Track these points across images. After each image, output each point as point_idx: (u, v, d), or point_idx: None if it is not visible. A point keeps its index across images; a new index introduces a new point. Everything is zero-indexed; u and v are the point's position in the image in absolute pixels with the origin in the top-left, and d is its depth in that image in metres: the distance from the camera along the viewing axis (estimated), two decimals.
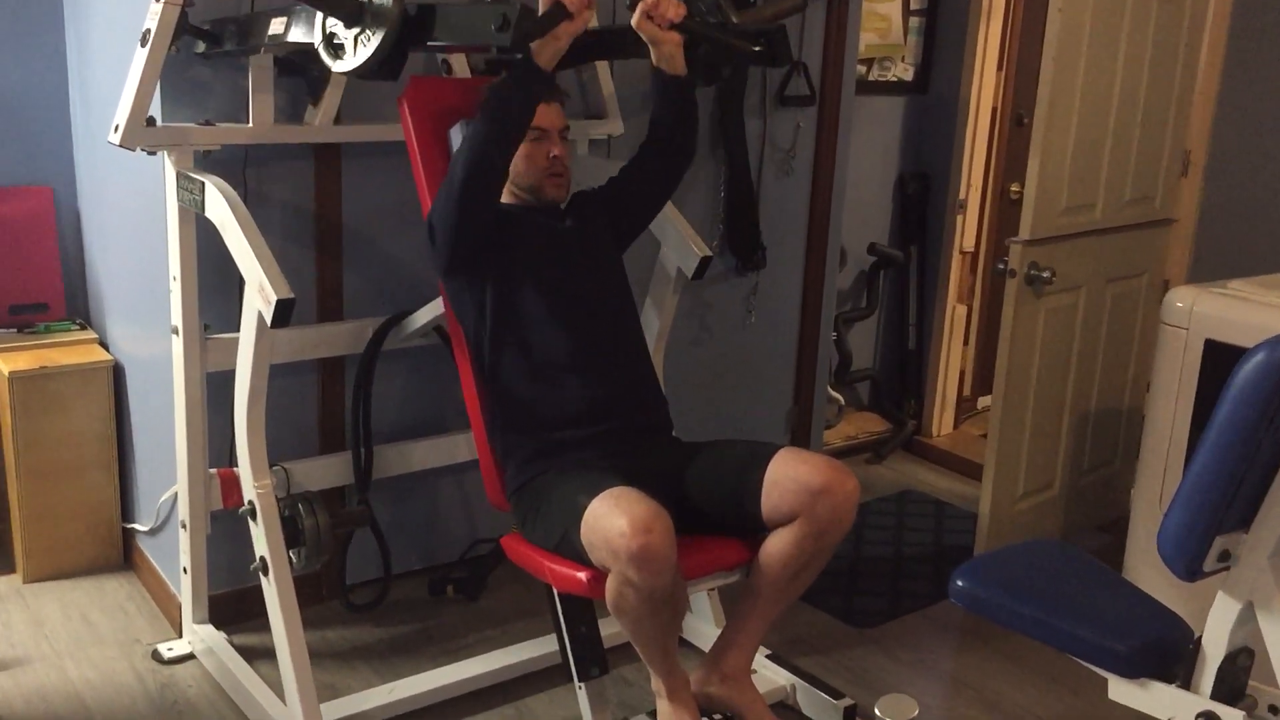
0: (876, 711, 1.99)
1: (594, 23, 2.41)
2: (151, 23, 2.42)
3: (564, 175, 2.53)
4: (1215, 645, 1.73)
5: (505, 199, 2.55)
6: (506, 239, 2.46)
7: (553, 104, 2.51)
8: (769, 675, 2.72)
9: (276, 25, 2.35)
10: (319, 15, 2.18)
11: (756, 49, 2.42)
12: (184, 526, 2.74)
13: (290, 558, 2.48)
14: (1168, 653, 1.79)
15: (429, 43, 2.13)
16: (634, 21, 2.35)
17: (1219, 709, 1.71)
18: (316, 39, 2.18)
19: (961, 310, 4.46)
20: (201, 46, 2.55)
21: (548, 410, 2.44)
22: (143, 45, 2.44)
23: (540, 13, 2.25)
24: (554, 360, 2.46)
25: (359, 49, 2.09)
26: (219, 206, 2.36)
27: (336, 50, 2.14)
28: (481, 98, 2.39)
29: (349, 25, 2.11)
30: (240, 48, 2.49)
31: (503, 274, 2.45)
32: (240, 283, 2.33)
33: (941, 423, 4.50)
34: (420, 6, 2.10)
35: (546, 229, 2.53)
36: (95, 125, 3.08)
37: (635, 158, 2.64)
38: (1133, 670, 1.78)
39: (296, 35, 2.28)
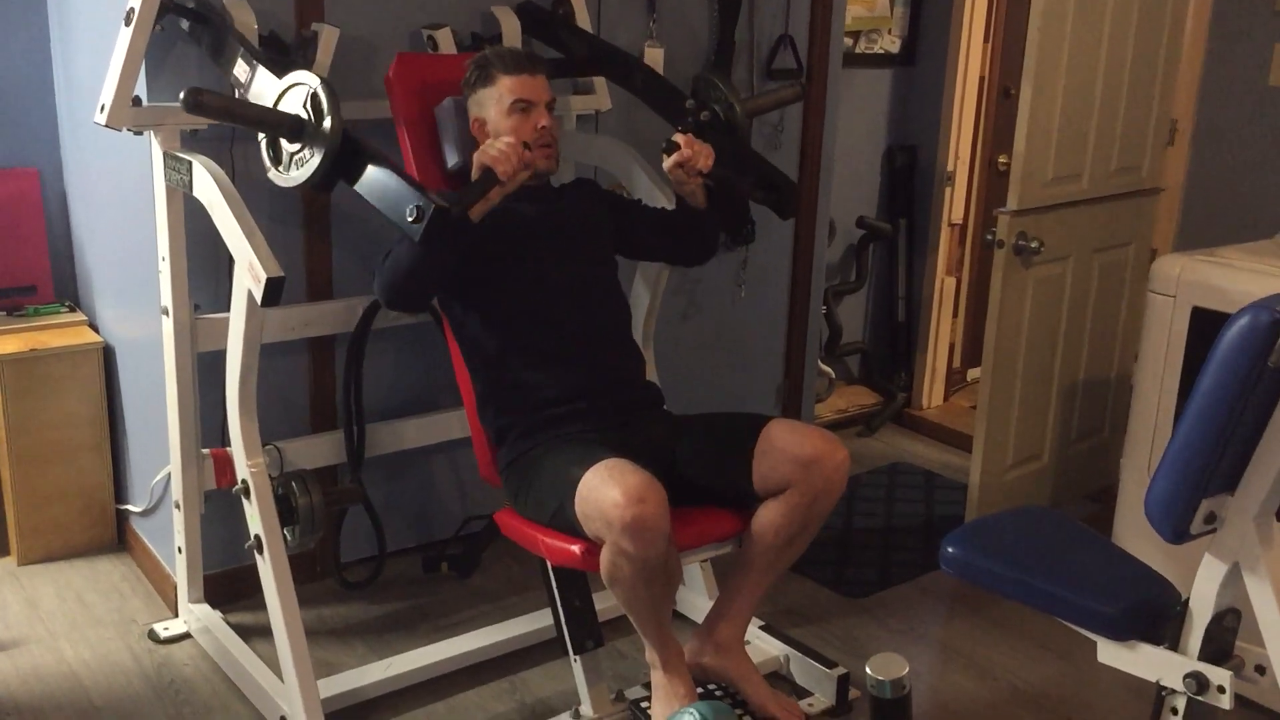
0: (868, 670, 2.01)
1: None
2: (135, 1, 2.41)
3: (553, 146, 2.53)
4: (1202, 607, 1.75)
5: None
6: (491, 228, 2.45)
7: (539, 75, 2.51)
8: (762, 645, 2.74)
9: (241, 71, 2.36)
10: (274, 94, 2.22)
11: (766, 197, 2.64)
12: (177, 507, 2.75)
13: (284, 536, 2.49)
14: (1156, 615, 1.81)
15: (354, 188, 2.17)
16: (666, 167, 2.47)
17: (1207, 669, 1.73)
18: (261, 137, 2.21)
19: (950, 282, 4.47)
20: (186, 24, 2.54)
21: (538, 389, 2.45)
22: (126, 24, 2.43)
23: (473, 176, 2.29)
24: (541, 340, 2.47)
25: (293, 168, 2.14)
26: (207, 186, 2.35)
27: (277, 156, 2.18)
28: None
29: (290, 141, 2.13)
30: (215, 59, 2.48)
31: (488, 257, 2.45)
32: (229, 262, 2.33)
33: (931, 395, 4.52)
34: (357, 148, 2.12)
35: (534, 211, 2.53)
36: (80, 106, 3.07)
37: (662, 224, 2.67)
38: (1121, 633, 1.80)
39: (256, 94, 2.31)
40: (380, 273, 2.36)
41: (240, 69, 2.36)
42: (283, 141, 2.16)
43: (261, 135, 2.23)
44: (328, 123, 2.08)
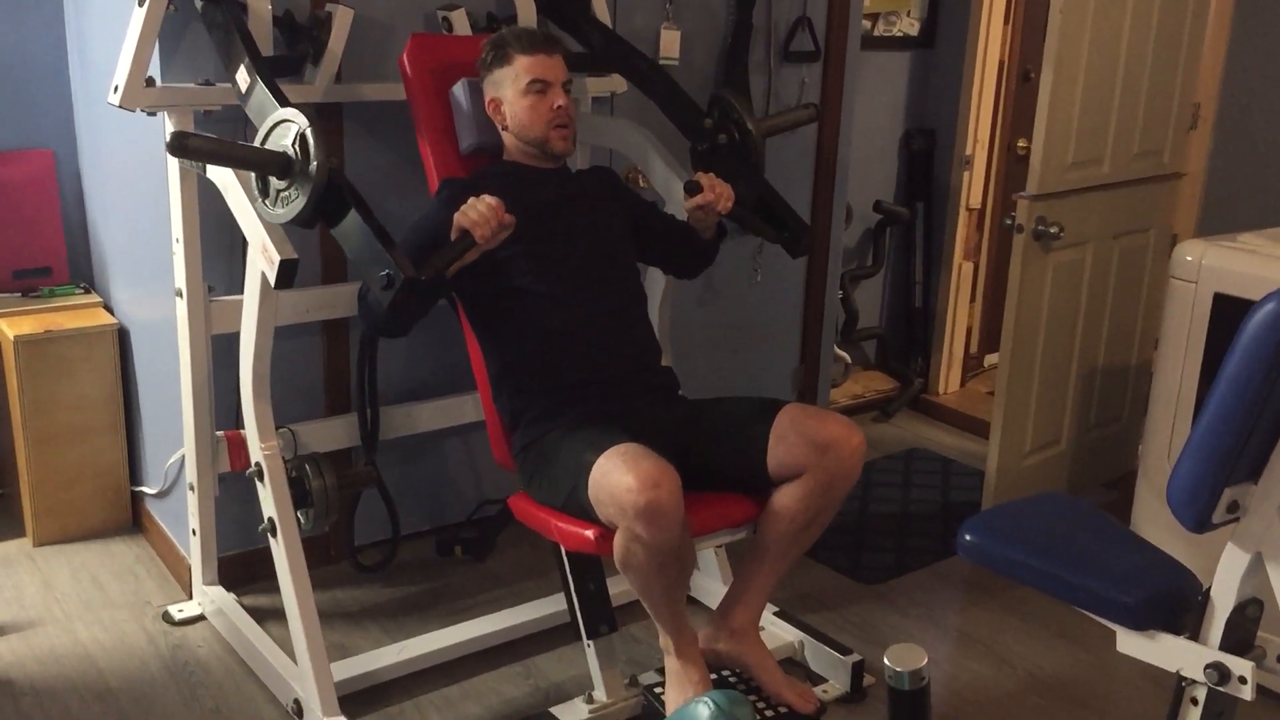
0: (886, 661, 2.00)
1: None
2: None
3: (569, 127, 2.51)
4: (1224, 596, 1.73)
5: (511, 157, 2.54)
6: (508, 205, 2.44)
7: (555, 55, 2.49)
8: (777, 631, 2.73)
9: (241, 80, 2.35)
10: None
11: (779, 236, 2.68)
12: (192, 489, 2.75)
13: (298, 519, 2.49)
14: (1176, 604, 1.79)
15: (332, 231, 2.17)
16: (686, 207, 2.48)
17: (1228, 660, 1.71)
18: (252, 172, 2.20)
19: (968, 267, 4.44)
20: (199, 4, 2.53)
21: (552, 372, 2.44)
22: (140, 5, 2.42)
23: (453, 236, 2.25)
24: (556, 324, 2.45)
25: (279, 205, 2.13)
26: (221, 168, 2.34)
27: (265, 190, 2.16)
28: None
29: (279, 177, 2.12)
30: (222, 56, 2.46)
31: (500, 253, 2.42)
32: (243, 244, 2.32)
33: (948, 380, 4.49)
34: (340, 194, 2.11)
35: (550, 194, 2.52)
36: (94, 87, 3.06)
37: (670, 238, 2.67)
38: (1141, 622, 1.78)
39: (252, 111, 2.31)
40: (360, 308, 2.38)
41: (242, 77, 2.35)
42: (271, 178, 2.15)
43: (254, 171, 2.21)
44: (313, 167, 2.07)
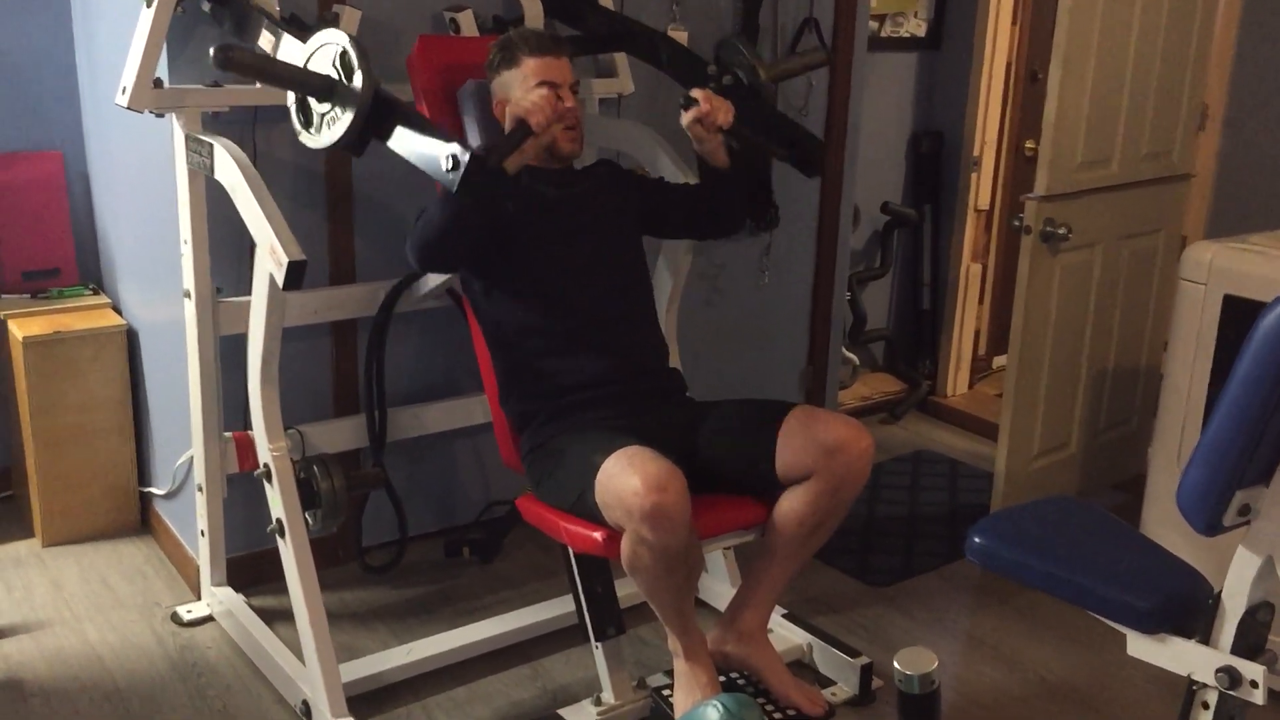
0: (896, 664, 1.99)
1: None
2: None
3: (577, 129, 2.51)
4: (1235, 600, 1.72)
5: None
6: (516, 206, 2.44)
7: (562, 58, 2.48)
8: (785, 634, 2.73)
9: (265, 41, 2.34)
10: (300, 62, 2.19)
11: (790, 155, 2.58)
12: (200, 490, 2.75)
13: (306, 520, 2.49)
14: (1187, 608, 1.78)
15: (388, 144, 2.14)
16: (684, 122, 2.42)
17: (1239, 663, 1.70)
18: (290, 100, 2.19)
19: (976, 269, 4.43)
20: (207, 5, 2.53)
21: (560, 375, 2.44)
22: (148, 6, 2.43)
23: (506, 128, 2.27)
24: (563, 326, 2.45)
25: (324, 129, 2.12)
26: (229, 168, 2.34)
27: (307, 119, 2.15)
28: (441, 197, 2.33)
29: (320, 101, 2.11)
30: (238, 34, 2.47)
31: (510, 242, 2.43)
32: (251, 245, 2.32)
33: (956, 382, 4.48)
34: (389, 105, 2.10)
35: (557, 196, 2.52)
36: (102, 88, 3.07)
37: (688, 199, 2.63)
38: (1151, 626, 1.77)
39: (284, 58, 2.29)
40: (413, 233, 2.34)
41: (265, 39, 2.34)
42: (312, 103, 2.13)
43: (291, 99, 2.21)
44: (358, 80, 2.05)
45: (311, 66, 2.15)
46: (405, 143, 2.13)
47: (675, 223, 2.67)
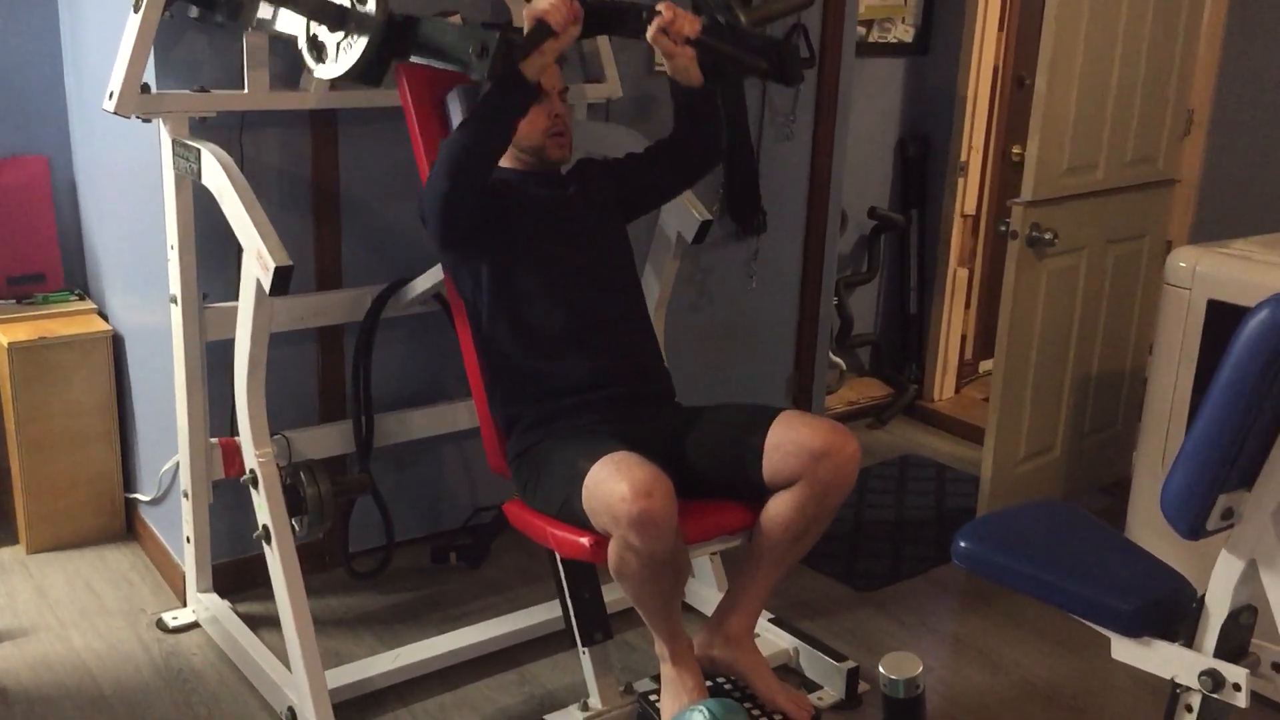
0: (881, 669, 1.99)
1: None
2: None
3: (566, 135, 2.51)
4: (1218, 603, 1.73)
5: (507, 163, 2.54)
6: (505, 208, 2.45)
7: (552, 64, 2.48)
8: (771, 638, 2.73)
9: (265, 10, 2.34)
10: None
11: (767, 66, 2.47)
12: (186, 496, 2.75)
13: (292, 526, 2.48)
14: (1171, 611, 1.79)
15: (411, 58, 2.13)
16: (649, 35, 2.37)
17: (1222, 667, 1.71)
18: (301, 37, 2.18)
19: (963, 274, 4.45)
20: (195, 12, 2.53)
21: (548, 378, 2.44)
22: (135, 11, 2.42)
23: (525, 29, 2.25)
24: (554, 329, 2.45)
25: (340, 55, 2.10)
26: (215, 174, 2.34)
27: (319, 52, 2.14)
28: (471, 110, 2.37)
29: (333, 30, 2.09)
30: (231, 22, 2.47)
31: (501, 244, 2.44)
32: (238, 251, 2.32)
33: (943, 387, 4.49)
34: (405, 19, 2.10)
35: (547, 197, 2.52)
36: (89, 94, 3.06)
37: (657, 150, 2.62)
38: (1136, 629, 1.78)
39: (284, 25, 2.30)
40: (434, 166, 2.34)
41: (264, 10, 2.33)
42: (323, 35, 2.11)
43: (301, 37, 2.17)
44: (372, 1, 2.04)
45: None
46: (428, 44, 2.10)
47: (651, 180, 2.62)
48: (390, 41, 2.09)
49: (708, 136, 2.56)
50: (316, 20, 2.11)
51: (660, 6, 2.37)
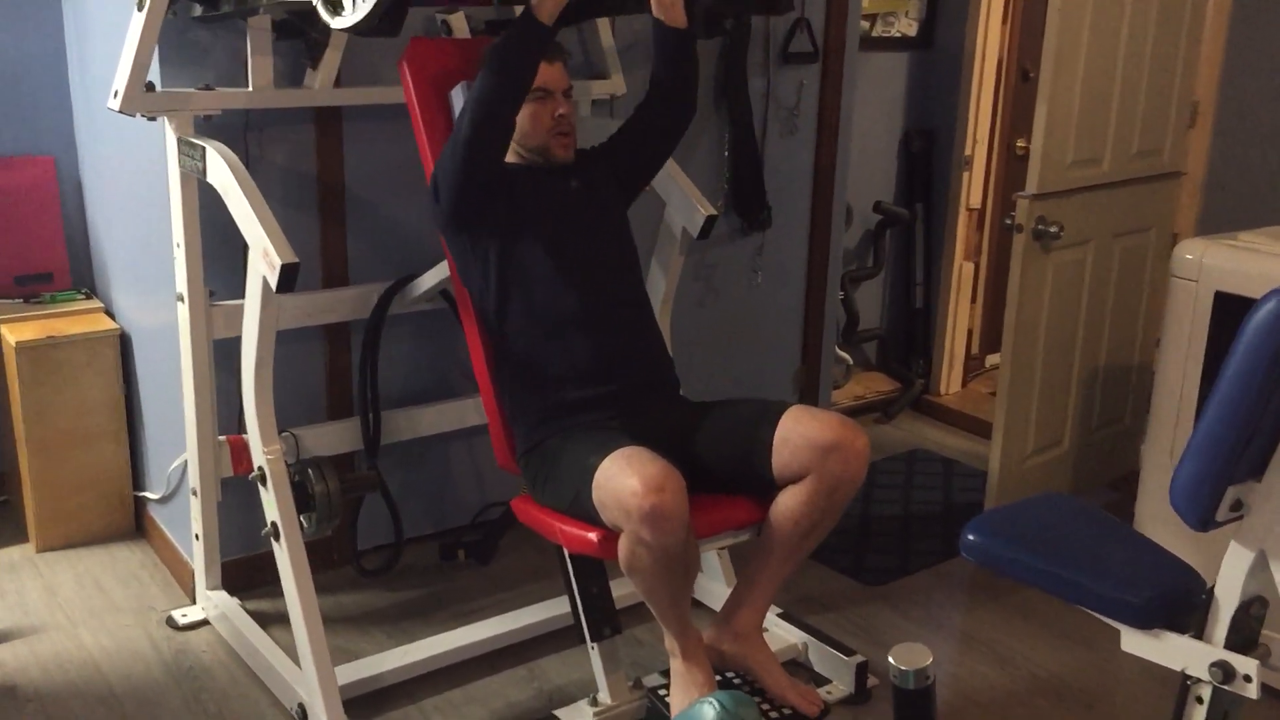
0: (891, 660, 1.99)
1: None
2: None
3: (570, 135, 2.51)
4: (1228, 595, 1.73)
5: (512, 160, 2.54)
6: (512, 200, 2.45)
7: (555, 63, 2.48)
8: (780, 633, 2.73)
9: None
10: None
11: None
12: (195, 494, 2.75)
13: (301, 523, 2.49)
14: (1180, 603, 1.78)
15: None
16: None
17: (1233, 658, 1.70)
18: None
19: (969, 268, 4.44)
20: (198, 10, 2.53)
21: (555, 372, 2.44)
22: (139, 10, 2.42)
23: None
24: (560, 322, 2.45)
25: (358, 3, 2.06)
26: (221, 172, 2.34)
27: (335, 5, 2.10)
28: (484, 56, 2.37)
29: None
30: (238, 9, 2.46)
31: (508, 236, 2.44)
32: (244, 248, 2.32)
33: (950, 381, 4.49)
34: None
35: (552, 190, 2.52)
36: (94, 93, 3.06)
37: (637, 111, 2.63)
38: (1146, 621, 1.78)
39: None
40: (463, 117, 2.34)
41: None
42: None
43: None
44: None
45: None
46: None
47: (641, 140, 2.61)
48: None
49: (684, 81, 2.56)
50: None
51: None
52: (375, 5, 2.02)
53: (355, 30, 2.09)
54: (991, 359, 4.60)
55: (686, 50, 2.52)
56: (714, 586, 2.88)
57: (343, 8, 2.10)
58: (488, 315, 2.49)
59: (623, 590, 2.53)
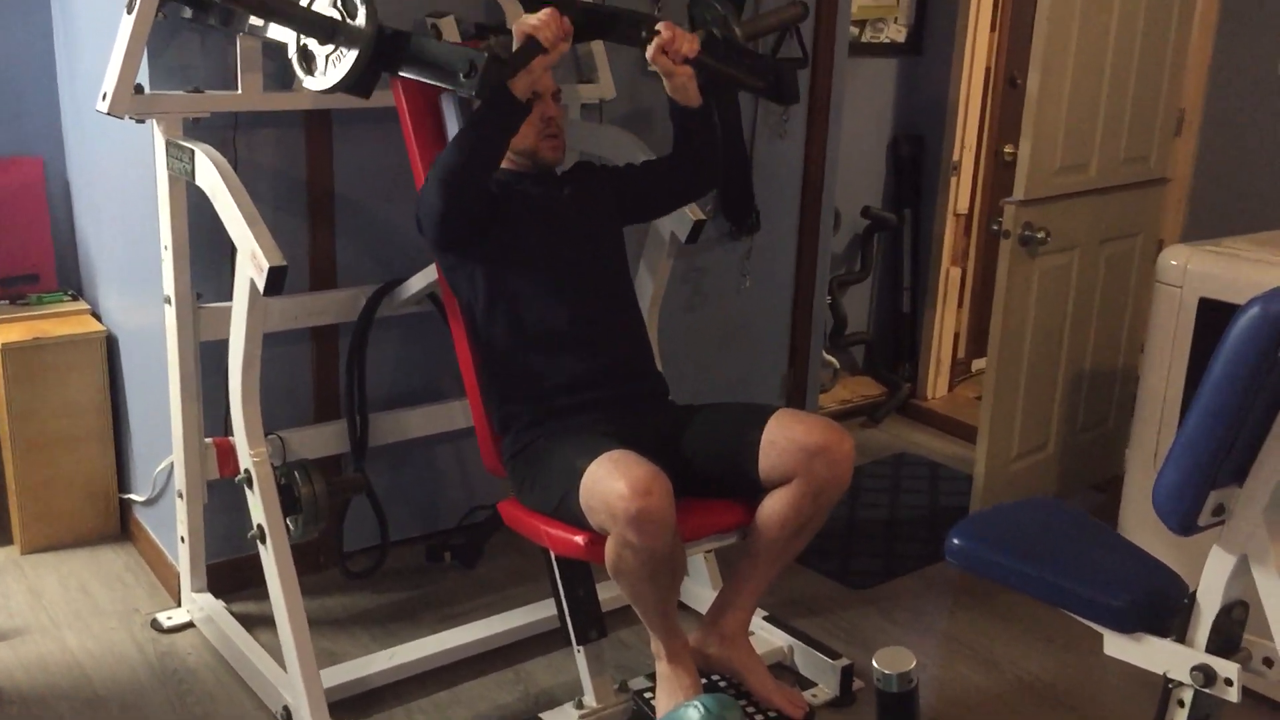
0: (875, 663, 2.00)
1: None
2: None
3: (559, 137, 2.51)
4: (1210, 599, 1.74)
5: (502, 164, 2.54)
6: (501, 216, 2.44)
7: None
8: (766, 636, 2.74)
9: (256, 21, 2.34)
10: None
11: (764, 86, 2.50)
12: (181, 496, 2.75)
13: (287, 525, 2.49)
14: (1162, 607, 1.80)
15: (400, 72, 2.14)
16: (649, 55, 2.39)
17: (1214, 662, 1.72)
18: (291, 46, 2.18)
19: (956, 272, 4.46)
20: (188, 12, 2.53)
21: (543, 378, 2.44)
22: (129, 12, 2.42)
23: (514, 46, 2.27)
24: (549, 329, 2.45)
25: (330, 68, 2.11)
26: (209, 174, 2.34)
27: (309, 63, 2.14)
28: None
29: (322, 43, 2.10)
30: (223, 28, 2.47)
31: (496, 244, 2.44)
32: (232, 251, 2.32)
33: (936, 385, 4.50)
34: (394, 34, 2.11)
35: (542, 197, 2.52)
36: (83, 95, 3.06)
37: (657, 166, 2.63)
38: (1128, 625, 1.79)
39: (275, 33, 2.30)
40: (428, 180, 2.34)
41: (254, 20, 2.34)
42: (314, 46, 2.12)
43: (291, 47, 2.18)
44: (362, 15, 2.04)
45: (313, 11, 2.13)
46: (417, 65, 2.11)
47: (651, 195, 2.64)
48: (380, 55, 2.10)
49: (704, 157, 2.58)
50: (306, 34, 2.12)
51: (660, 26, 2.39)
52: (347, 73, 2.06)
53: (328, 91, 2.14)
54: (978, 363, 4.62)
55: (703, 125, 2.53)
56: (700, 590, 2.88)
57: (315, 67, 2.13)
58: (475, 323, 2.49)
59: (609, 593, 2.53)
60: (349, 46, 2.07)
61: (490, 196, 2.41)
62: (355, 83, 2.10)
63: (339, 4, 2.08)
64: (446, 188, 2.32)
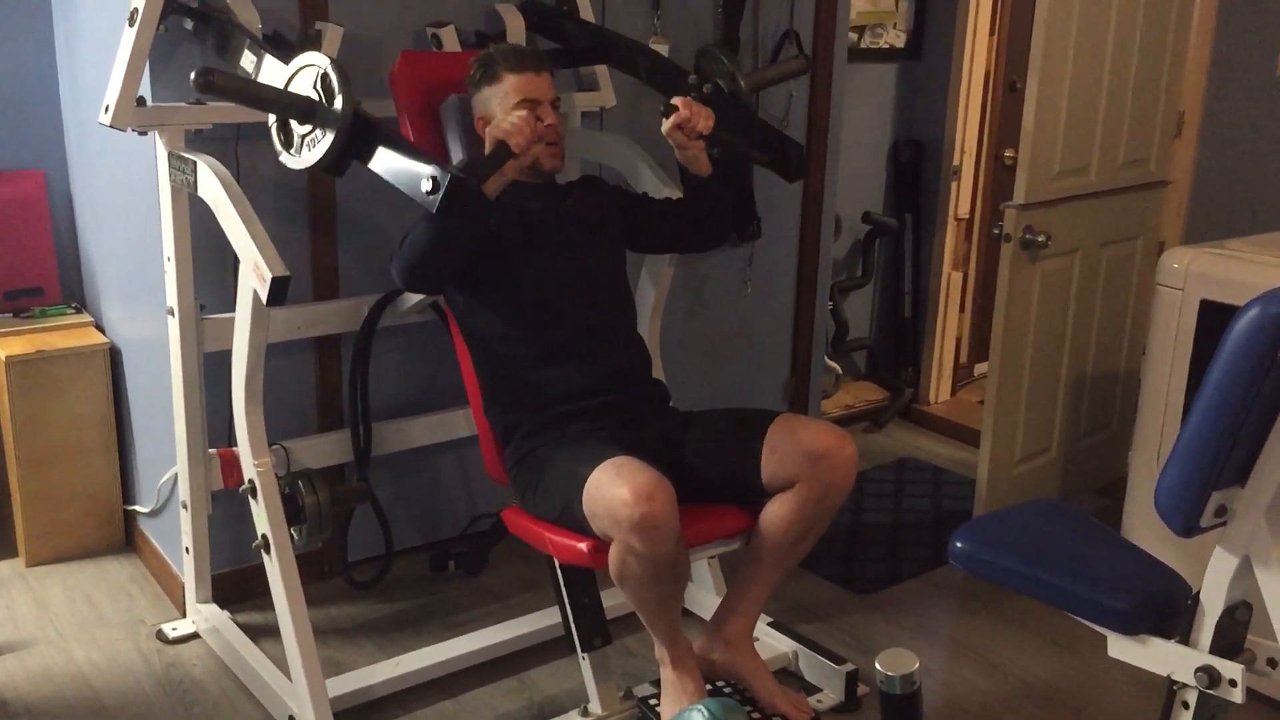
0: (878, 665, 2.00)
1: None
2: (139, 2, 2.41)
3: (558, 144, 2.52)
4: (1213, 600, 1.74)
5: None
6: (499, 221, 2.45)
7: (543, 74, 2.50)
8: (771, 642, 2.74)
9: (247, 61, 2.36)
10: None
11: (770, 159, 2.58)
12: (185, 507, 2.75)
13: (291, 535, 2.49)
14: (1166, 608, 1.80)
15: (370, 165, 2.17)
16: (665, 130, 2.44)
17: (1218, 663, 1.72)
18: (271, 119, 2.21)
19: (957, 277, 4.46)
20: (189, 24, 2.54)
21: (544, 386, 2.45)
22: (130, 25, 2.43)
23: (487, 148, 2.31)
24: (550, 338, 2.46)
25: (305, 150, 2.14)
26: (212, 185, 2.35)
27: (288, 139, 2.17)
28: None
29: (301, 122, 2.13)
30: (220, 53, 2.48)
31: (495, 257, 2.44)
32: (235, 262, 2.33)
33: (939, 390, 4.50)
34: (369, 127, 2.13)
35: (540, 209, 2.53)
36: (85, 107, 3.07)
37: (671, 212, 2.64)
38: (1131, 627, 1.79)
39: (265, 79, 2.32)
40: (398, 255, 2.35)
41: (247, 59, 2.36)
42: (293, 124, 2.15)
43: (271, 119, 2.22)
44: (339, 103, 2.07)
45: (293, 88, 2.18)
46: (385, 164, 2.16)
47: (659, 235, 2.68)
48: (354, 142, 2.14)
49: (713, 220, 2.63)
50: (285, 116, 2.15)
51: (677, 102, 2.43)
52: (322, 157, 2.12)
53: (303, 169, 2.20)
54: (980, 368, 4.62)
55: (714, 191, 2.57)
56: (704, 595, 2.89)
57: (293, 144, 2.16)
58: (474, 336, 2.50)
59: (613, 600, 2.54)
60: (325, 130, 2.11)
61: (473, 244, 2.38)
62: (331, 165, 2.14)
63: (319, 85, 2.11)
64: (411, 272, 2.35)
